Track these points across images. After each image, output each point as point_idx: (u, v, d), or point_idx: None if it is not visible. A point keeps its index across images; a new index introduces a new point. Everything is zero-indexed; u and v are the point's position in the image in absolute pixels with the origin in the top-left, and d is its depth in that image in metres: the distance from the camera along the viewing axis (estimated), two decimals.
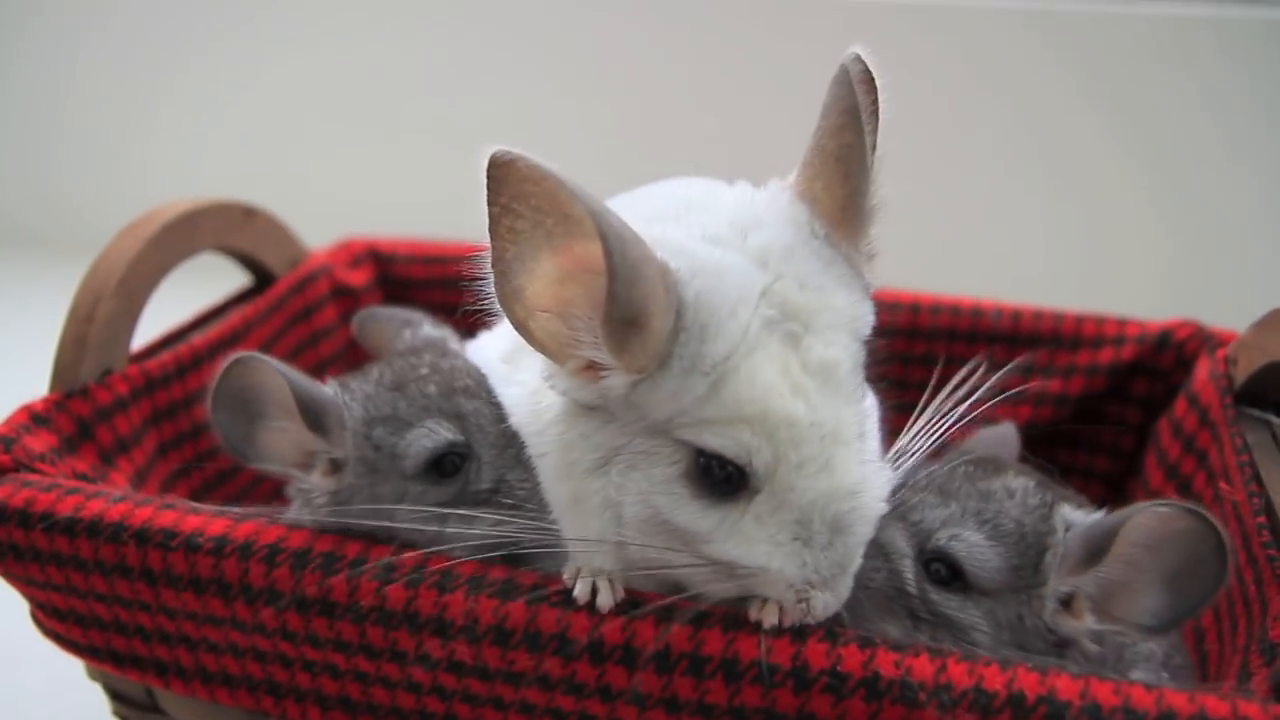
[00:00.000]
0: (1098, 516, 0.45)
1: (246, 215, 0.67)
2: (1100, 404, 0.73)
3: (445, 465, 0.47)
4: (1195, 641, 0.57)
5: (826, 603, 0.40)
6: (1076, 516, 0.45)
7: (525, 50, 1.37)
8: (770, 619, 0.41)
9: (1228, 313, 0.70)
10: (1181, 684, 0.46)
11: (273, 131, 1.51)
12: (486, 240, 0.38)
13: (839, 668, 0.39)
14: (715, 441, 0.39)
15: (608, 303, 0.37)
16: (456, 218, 0.73)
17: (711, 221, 0.43)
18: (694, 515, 0.40)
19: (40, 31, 1.55)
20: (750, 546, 0.40)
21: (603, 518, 0.42)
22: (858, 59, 0.40)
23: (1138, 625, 0.43)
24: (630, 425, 0.41)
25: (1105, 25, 1.19)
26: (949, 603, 0.44)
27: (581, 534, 0.43)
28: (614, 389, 0.40)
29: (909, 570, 0.44)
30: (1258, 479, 0.53)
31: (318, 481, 0.48)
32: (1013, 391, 0.53)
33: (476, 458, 0.47)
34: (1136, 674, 0.45)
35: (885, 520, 0.44)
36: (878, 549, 0.45)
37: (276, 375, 0.46)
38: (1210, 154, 1.20)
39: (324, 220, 0.92)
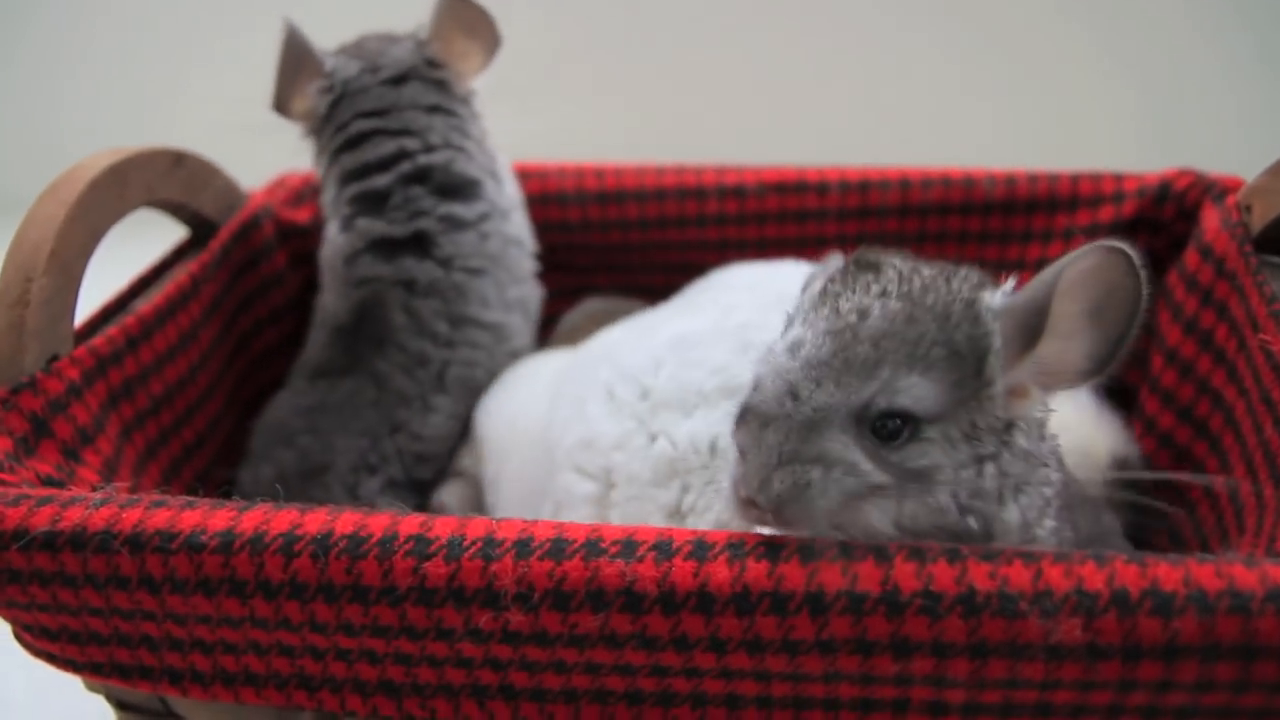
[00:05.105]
0: (1012, 290, 0.41)
1: (177, 161, 0.60)
2: None
3: None
4: (1234, 516, 0.56)
5: None
6: (998, 299, 0.40)
7: None
8: None
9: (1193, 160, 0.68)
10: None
11: (186, 66, 1.38)
12: None
13: (931, 587, 0.37)
14: None
15: None
16: None
17: None
18: None
19: None
20: None
21: None
22: None
23: (1077, 374, 0.40)
24: None
25: None
26: (909, 455, 0.39)
27: None
28: None
29: (859, 457, 0.38)
30: None
31: None
32: None
33: None
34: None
35: (803, 430, 0.38)
36: (815, 459, 0.38)
37: None
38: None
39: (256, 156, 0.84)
